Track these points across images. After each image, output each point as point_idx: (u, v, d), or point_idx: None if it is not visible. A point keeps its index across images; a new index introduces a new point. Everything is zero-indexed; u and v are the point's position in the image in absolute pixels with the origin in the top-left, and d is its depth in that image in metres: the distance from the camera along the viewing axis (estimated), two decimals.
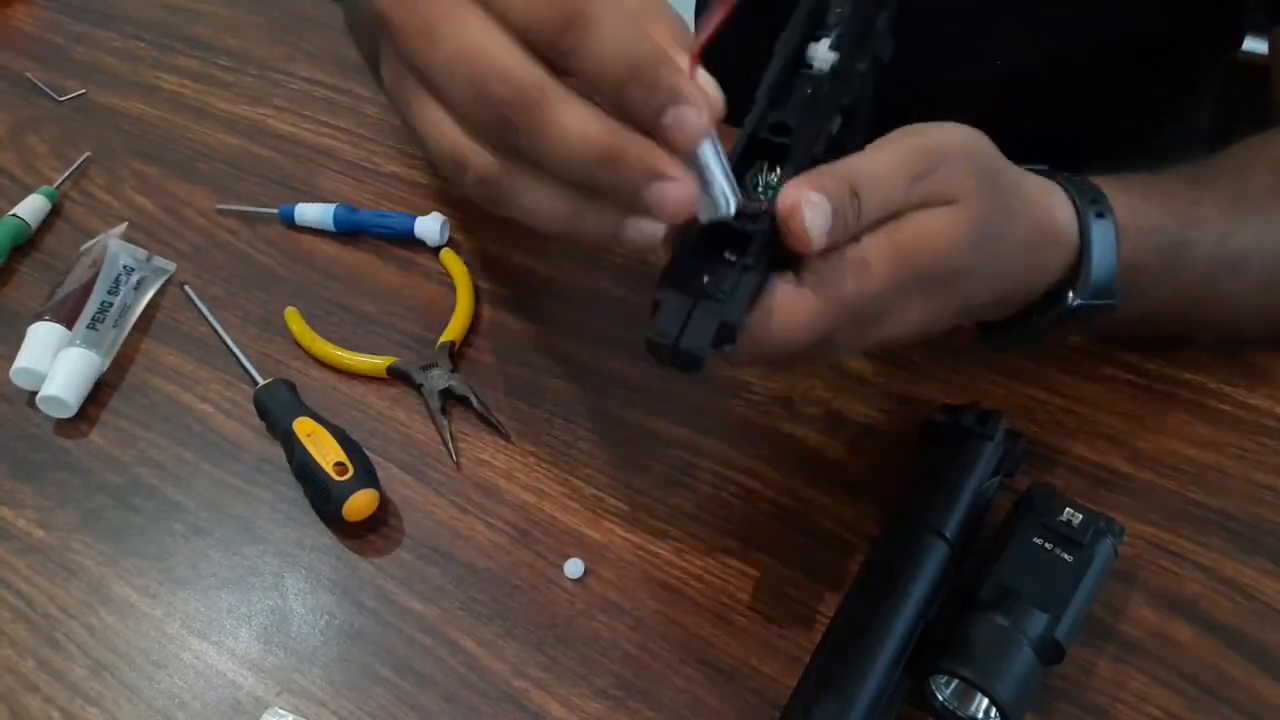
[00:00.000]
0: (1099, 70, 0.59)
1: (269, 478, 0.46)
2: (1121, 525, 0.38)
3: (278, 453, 0.46)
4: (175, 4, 0.77)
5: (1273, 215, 0.45)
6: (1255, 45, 0.62)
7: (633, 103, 0.27)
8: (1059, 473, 0.44)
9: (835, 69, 0.32)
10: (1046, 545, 0.37)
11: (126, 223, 0.58)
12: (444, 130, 0.29)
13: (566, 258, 0.55)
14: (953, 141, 0.34)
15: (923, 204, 0.33)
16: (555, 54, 0.27)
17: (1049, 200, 0.38)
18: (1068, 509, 0.38)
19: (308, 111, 0.66)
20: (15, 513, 0.45)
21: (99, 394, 0.50)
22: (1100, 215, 0.39)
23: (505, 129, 0.28)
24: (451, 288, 0.53)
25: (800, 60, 0.32)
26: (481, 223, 0.58)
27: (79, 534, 0.44)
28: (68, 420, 0.49)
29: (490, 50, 0.27)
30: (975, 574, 0.37)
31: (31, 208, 0.58)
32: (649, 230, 0.29)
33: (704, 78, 0.29)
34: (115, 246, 0.55)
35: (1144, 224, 0.41)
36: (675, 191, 0.28)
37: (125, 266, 0.54)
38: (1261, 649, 0.39)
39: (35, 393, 0.48)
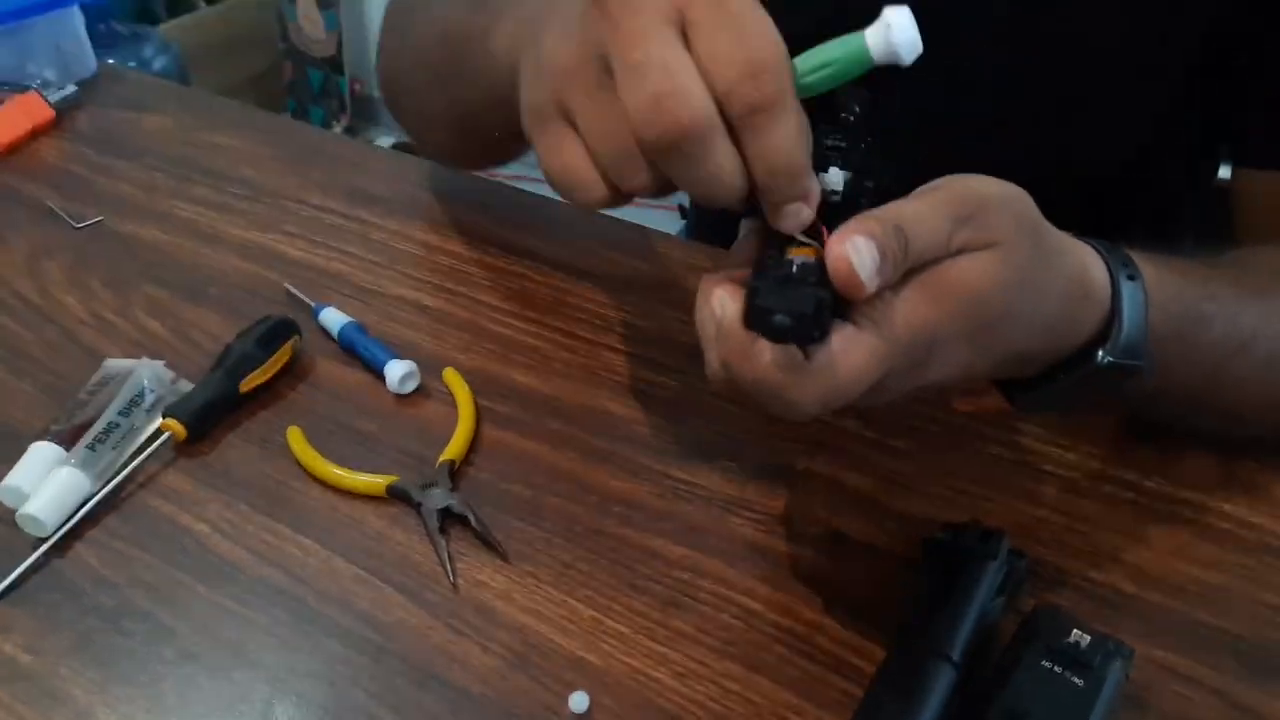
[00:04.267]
0: (1079, 201, 0.61)
1: (264, 599, 0.45)
2: (1131, 647, 0.38)
3: (274, 573, 0.46)
4: (194, 137, 0.81)
5: (1274, 300, 0.46)
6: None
7: (773, 186, 0.32)
8: (1063, 593, 0.44)
9: (848, 186, 0.35)
10: (1055, 668, 0.37)
11: (163, 360, 0.58)
12: (603, 115, 0.33)
13: (568, 377, 0.56)
14: (992, 190, 0.36)
15: (966, 246, 0.34)
16: (730, 119, 0.31)
17: (1084, 256, 0.39)
18: (1075, 630, 0.38)
19: (318, 237, 0.68)
20: (3, 637, 0.44)
21: (96, 513, 0.49)
22: (1131, 278, 0.39)
23: (669, 146, 0.31)
24: (454, 406, 0.54)
25: None
26: (484, 342, 0.59)
27: (67, 659, 0.43)
28: (61, 540, 0.48)
29: (683, 75, 0.31)
30: (984, 698, 0.36)
31: None
32: None
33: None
34: (144, 369, 0.55)
35: (1169, 292, 0.41)
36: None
37: (146, 388, 0.54)
38: None
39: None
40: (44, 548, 0.47)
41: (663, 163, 0.32)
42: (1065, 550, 0.46)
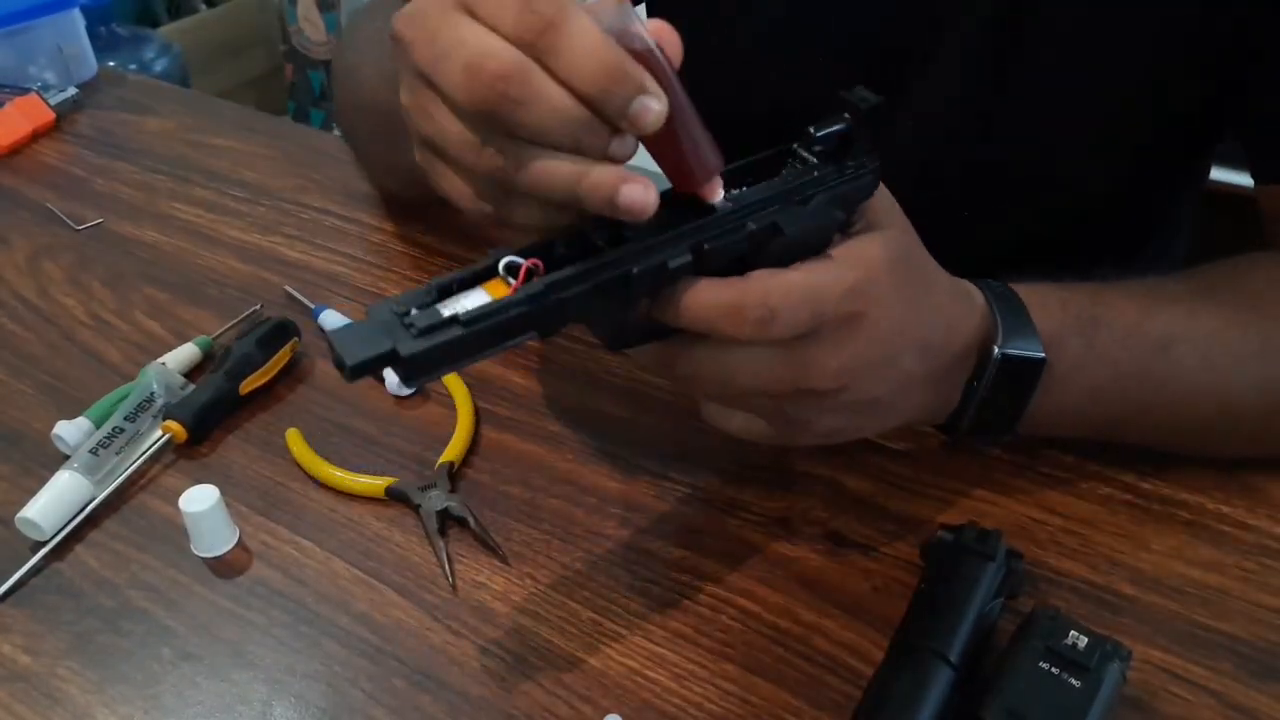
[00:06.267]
0: (1055, 228, 0.61)
1: (263, 600, 0.45)
2: (1129, 649, 0.38)
3: (273, 574, 0.46)
4: (195, 140, 0.81)
5: (1194, 305, 0.46)
6: (1232, 177, 0.65)
7: (604, 90, 0.31)
8: (1061, 594, 0.44)
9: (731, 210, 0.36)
10: (1053, 670, 0.37)
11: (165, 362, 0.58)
12: (447, 125, 0.34)
13: (567, 379, 0.56)
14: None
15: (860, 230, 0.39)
16: (534, 53, 0.31)
17: (950, 277, 0.43)
18: (1073, 631, 0.38)
19: (318, 239, 0.68)
20: (3, 638, 0.44)
21: (96, 514, 0.49)
22: (997, 289, 0.44)
23: (499, 102, 0.31)
24: (453, 408, 0.54)
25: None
26: None
27: (66, 660, 0.43)
28: (61, 541, 0.48)
29: (480, 39, 0.32)
30: (981, 699, 0.36)
31: (180, 357, 0.58)
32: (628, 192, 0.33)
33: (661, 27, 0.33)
34: (154, 372, 0.55)
35: (1048, 299, 0.44)
36: (653, 117, 0.32)
37: (156, 394, 0.54)
38: None
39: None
40: (44, 550, 0.47)
41: (502, 119, 0.32)
42: (1063, 551, 0.46)
